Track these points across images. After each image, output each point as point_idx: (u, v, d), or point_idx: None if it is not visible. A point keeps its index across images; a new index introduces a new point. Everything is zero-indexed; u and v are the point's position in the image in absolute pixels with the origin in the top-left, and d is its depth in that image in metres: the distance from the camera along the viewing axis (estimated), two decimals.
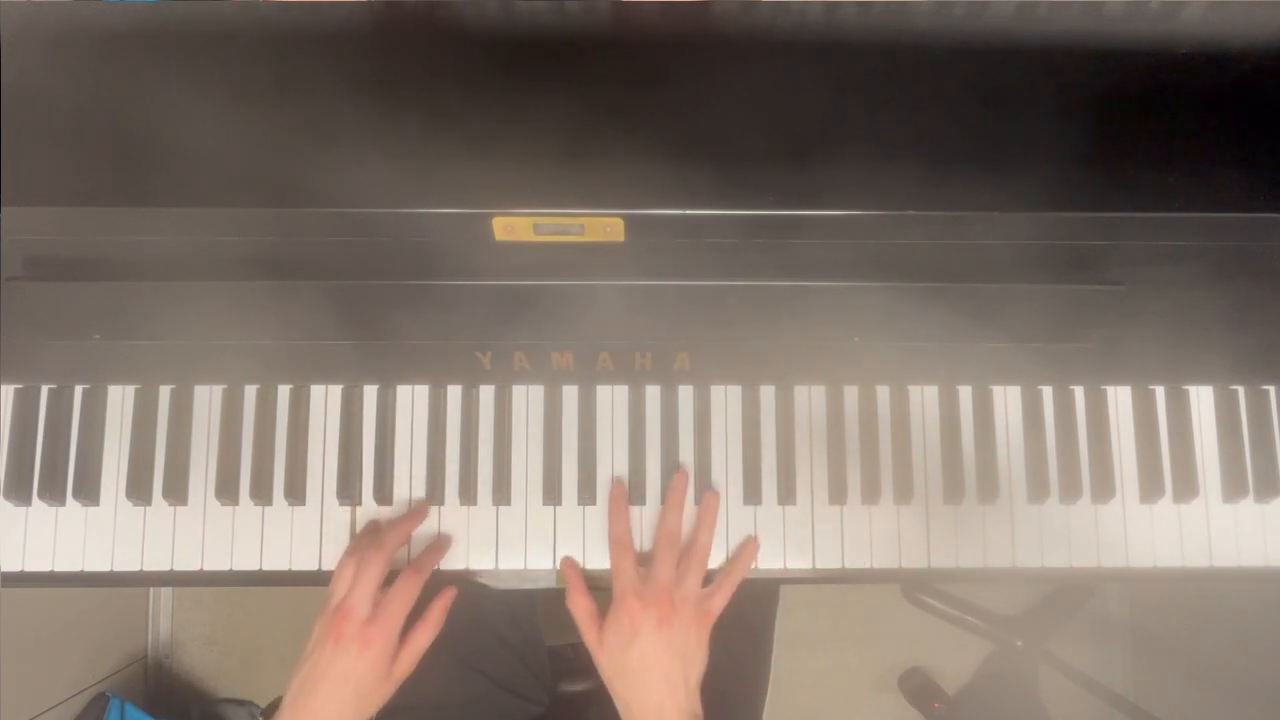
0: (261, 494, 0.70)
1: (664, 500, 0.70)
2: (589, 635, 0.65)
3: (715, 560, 0.70)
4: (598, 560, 0.71)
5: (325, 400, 0.72)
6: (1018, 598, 1.47)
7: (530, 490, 0.71)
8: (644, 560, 0.68)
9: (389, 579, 0.65)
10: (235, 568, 0.70)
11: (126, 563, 0.70)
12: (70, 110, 0.60)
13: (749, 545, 0.70)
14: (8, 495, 0.70)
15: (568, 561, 0.70)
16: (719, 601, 0.65)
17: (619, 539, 0.67)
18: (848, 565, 0.71)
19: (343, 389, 0.72)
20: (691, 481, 0.71)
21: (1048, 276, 0.64)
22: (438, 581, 0.71)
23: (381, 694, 0.63)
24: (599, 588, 0.72)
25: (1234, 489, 0.72)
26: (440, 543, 0.70)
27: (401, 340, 0.68)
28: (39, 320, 0.65)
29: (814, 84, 0.63)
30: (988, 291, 0.64)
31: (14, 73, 0.61)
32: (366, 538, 0.67)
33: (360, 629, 0.61)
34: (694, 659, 0.62)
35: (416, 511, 0.70)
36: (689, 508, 0.70)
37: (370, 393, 0.72)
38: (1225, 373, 0.73)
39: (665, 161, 0.58)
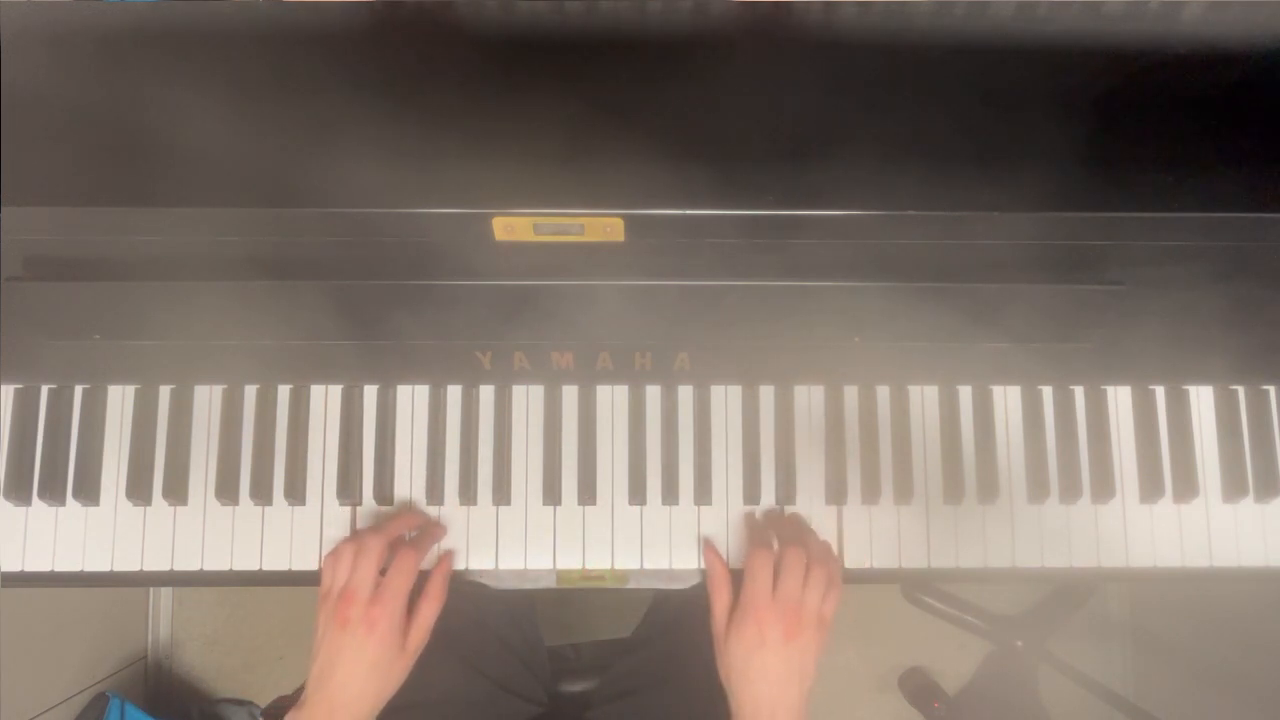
0: (261, 494, 0.70)
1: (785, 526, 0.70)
2: (717, 626, 0.65)
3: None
4: (598, 560, 0.71)
5: (325, 400, 0.72)
6: (1018, 598, 1.47)
7: (530, 490, 0.71)
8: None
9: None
10: (235, 568, 0.70)
11: (126, 563, 0.70)
12: (70, 110, 0.60)
13: (829, 546, 0.70)
14: (8, 495, 0.70)
15: (712, 550, 0.70)
16: (832, 608, 0.65)
17: (764, 541, 0.67)
18: (848, 565, 0.71)
19: (343, 389, 0.72)
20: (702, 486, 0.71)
21: (1048, 276, 0.64)
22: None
23: (399, 668, 0.64)
24: (603, 588, 0.72)
25: (1234, 489, 0.72)
26: (438, 527, 0.71)
27: (401, 340, 0.68)
28: (39, 320, 0.65)
29: (814, 84, 0.63)
30: (988, 291, 0.64)
31: (14, 73, 0.61)
32: (362, 529, 0.68)
33: (365, 610, 0.62)
34: (809, 673, 0.63)
35: (414, 513, 0.71)
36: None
37: (370, 393, 0.72)
38: (1225, 373, 0.72)
39: (665, 161, 0.58)
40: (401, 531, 0.69)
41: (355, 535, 0.66)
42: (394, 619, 0.63)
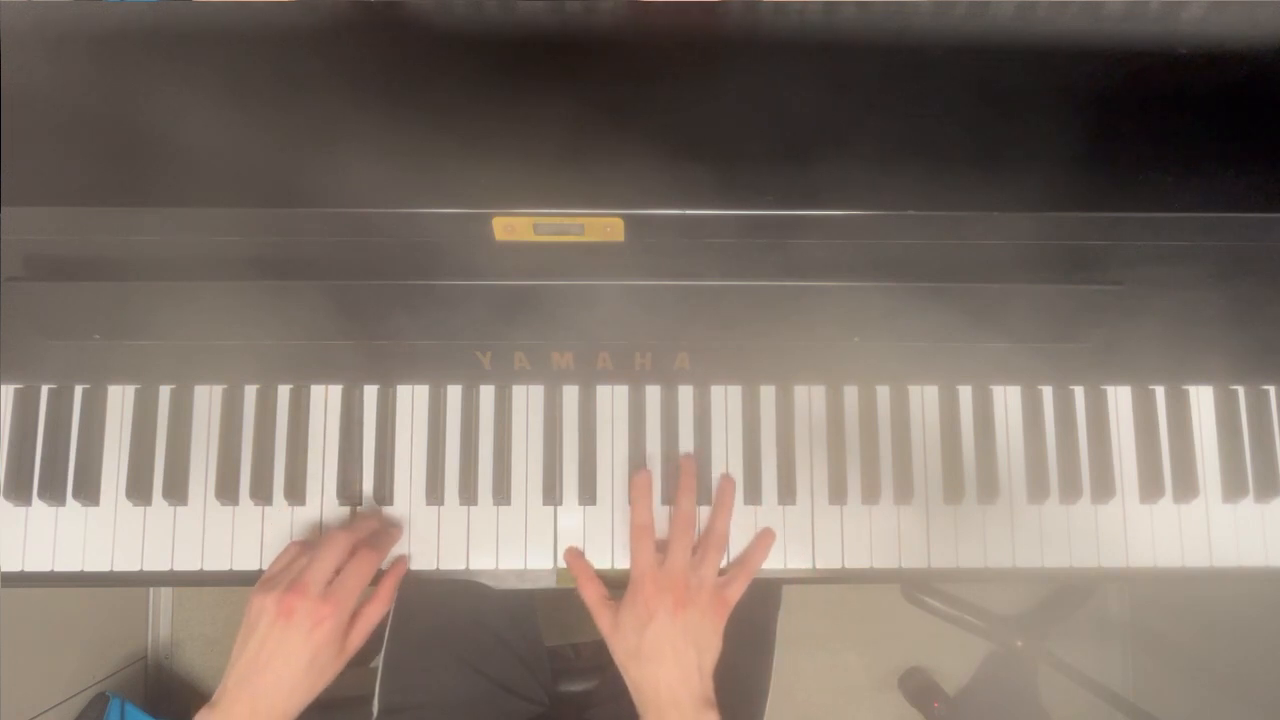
0: (261, 494, 0.70)
1: (677, 487, 0.70)
2: (601, 620, 0.65)
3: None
4: (599, 560, 0.71)
5: (325, 400, 0.72)
6: (1018, 598, 1.47)
7: (530, 490, 0.71)
8: (661, 547, 0.68)
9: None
10: (235, 568, 0.70)
11: (126, 563, 0.70)
12: (70, 110, 0.60)
13: (764, 535, 0.70)
14: (8, 495, 0.70)
15: (572, 551, 0.70)
16: (735, 590, 0.65)
17: (643, 525, 0.67)
18: (848, 565, 0.71)
19: (343, 389, 0.72)
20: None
21: (1048, 276, 0.64)
22: (429, 578, 0.71)
23: (333, 670, 0.62)
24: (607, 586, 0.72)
25: (1234, 489, 0.72)
26: (396, 530, 0.70)
27: (401, 340, 0.68)
28: (39, 320, 0.65)
29: (814, 84, 0.63)
30: (988, 291, 0.64)
31: (14, 73, 0.61)
32: (335, 533, 0.66)
33: (314, 606, 0.59)
34: (708, 646, 0.62)
35: (375, 518, 0.70)
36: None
37: (370, 393, 0.72)
38: (1225, 373, 0.73)
39: (665, 161, 0.58)
40: (368, 532, 0.68)
41: (320, 539, 0.65)
42: (340, 620, 0.61)
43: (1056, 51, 0.64)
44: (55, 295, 0.63)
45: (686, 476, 0.69)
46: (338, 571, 0.63)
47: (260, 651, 0.59)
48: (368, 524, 0.68)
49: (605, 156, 0.59)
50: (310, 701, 0.61)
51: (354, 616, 0.63)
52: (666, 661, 0.61)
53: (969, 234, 0.60)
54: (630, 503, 0.70)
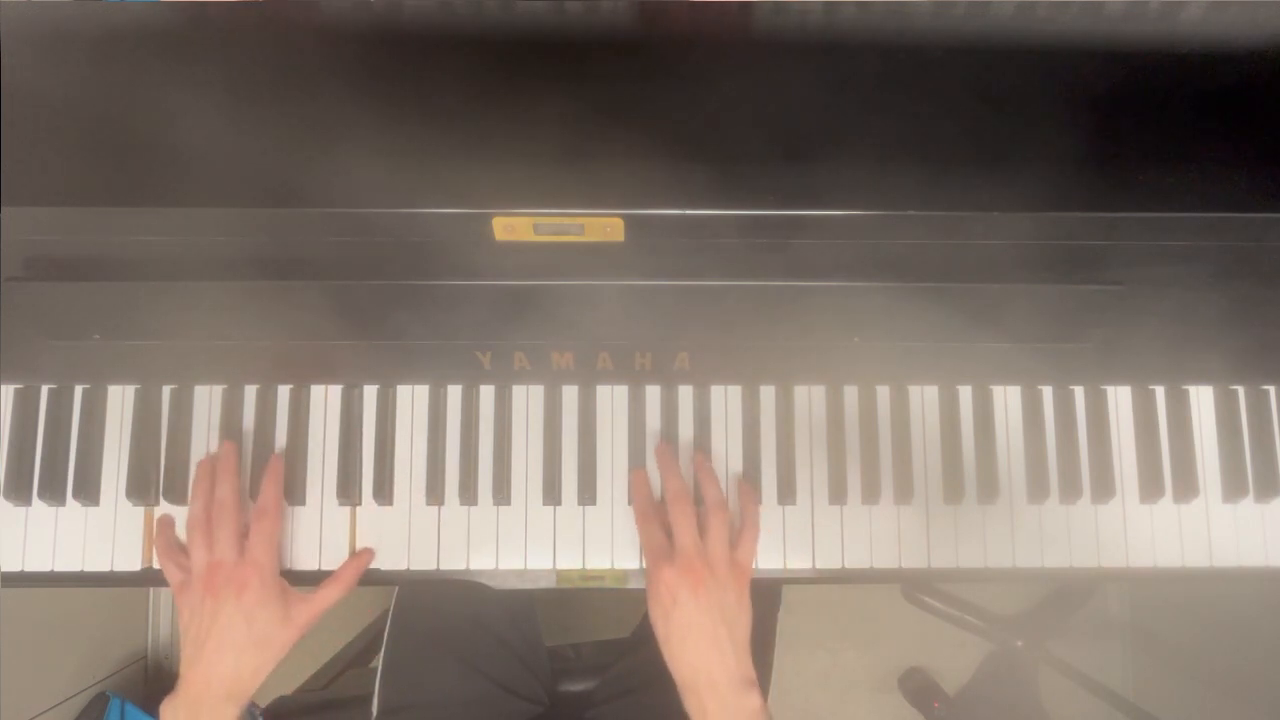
0: None
1: (660, 472, 0.69)
2: (648, 579, 0.64)
3: None
4: (598, 560, 0.71)
5: (325, 400, 0.72)
6: (1018, 598, 1.47)
7: (530, 490, 0.71)
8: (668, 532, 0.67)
9: None
10: None
11: (126, 563, 0.70)
12: (70, 110, 0.60)
13: (747, 488, 0.70)
14: (8, 495, 0.70)
15: (639, 474, 0.69)
16: (746, 551, 0.65)
17: (644, 510, 0.66)
18: (848, 565, 0.71)
19: (343, 389, 0.72)
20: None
21: (1048, 276, 0.64)
22: (429, 579, 0.71)
23: (281, 639, 0.62)
24: (603, 588, 0.72)
25: (1234, 489, 0.72)
26: (273, 469, 0.68)
27: (401, 340, 0.68)
28: (39, 320, 0.65)
29: (814, 84, 0.63)
30: (988, 291, 0.64)
31: (14, 73, 0.61)
32: (199, 508, 0.65)
33: (231, 571, 0.61)
34: (737, 619, 0.62)
35: (227, 464, 0.67)
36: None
37: (370, 393, 0.72)
38: (1225, 373, 0.72)
39: (665, 161, 0.58)
40: (234, 488, 0.66)
41: (196, 518, 0.64)
42: (266, 577, 0.61)
43: (1056, 51, 0.64)
44: (55, 295, 0.63)
45: (664, 457, 0.69)
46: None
47: (199, 631, 0.60)
48: (227, 481, 0.66)
49: (605, 156, 0.59)
50: (263, 676, 0.61)
51: (312, 595, 0.64)
52: (699, 644, 0.60)
53: (969, 234, 0.60)
54: (631, 494, 0.70)
